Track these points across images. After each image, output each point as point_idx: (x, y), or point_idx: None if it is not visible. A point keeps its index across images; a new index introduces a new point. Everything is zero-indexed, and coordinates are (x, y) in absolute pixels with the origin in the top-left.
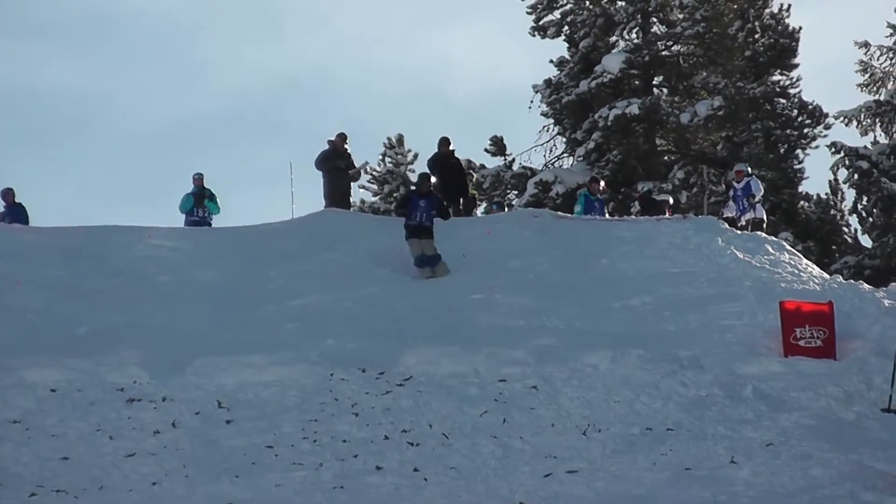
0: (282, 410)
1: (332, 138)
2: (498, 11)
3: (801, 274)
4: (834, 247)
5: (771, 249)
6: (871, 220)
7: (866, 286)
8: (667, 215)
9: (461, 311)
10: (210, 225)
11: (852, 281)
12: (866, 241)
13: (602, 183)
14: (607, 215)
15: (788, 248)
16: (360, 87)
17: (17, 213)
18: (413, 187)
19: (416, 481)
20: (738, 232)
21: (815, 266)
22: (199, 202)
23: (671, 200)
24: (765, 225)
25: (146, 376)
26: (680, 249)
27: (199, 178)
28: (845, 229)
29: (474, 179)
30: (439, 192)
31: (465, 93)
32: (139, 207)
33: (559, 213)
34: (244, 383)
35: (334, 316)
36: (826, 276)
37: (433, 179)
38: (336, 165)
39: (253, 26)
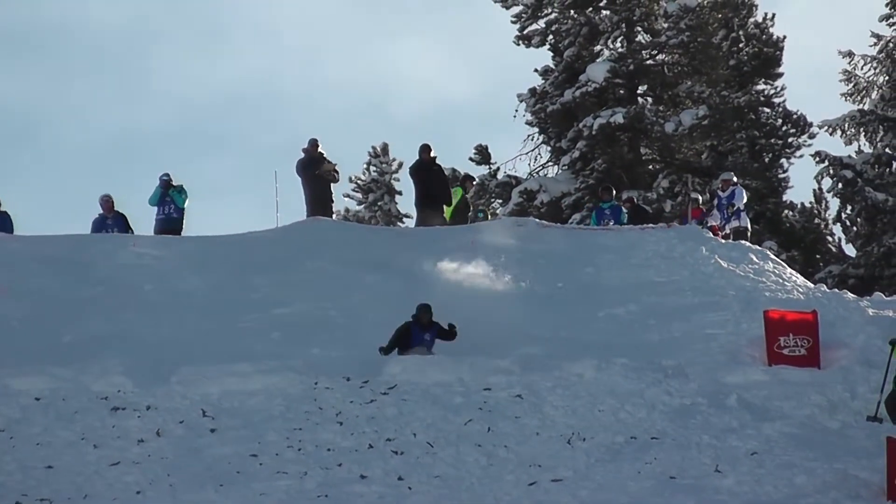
0: (266, 419)
1: (305, 146)
2: (442, 24)
3: (786, 283)
4: (818, 256)
5: (755, 258)
6: (855, 229)
7: (850, 295)
8: (690, 216)
9: (445, 320)
10: (177, 222)
11: (836, 290)
12: (850, 251)
13: (613, 191)
14: (625, 218)
15: (773, 257)
16: (307, 99)
17: (1, 222)
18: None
19: (400, 490)
20: (722, 241)
21: (799, 275)
22: (164, 200)
23: (701, 199)
24: (749, 234)
25: (130, 385)
26: (664, 258)
27: (165, 181)
28: (829, 238)
29: (462, 186)
30: (420, 200)
31: (411, 105)
32: (88, 220)
33: (544, 221)
34: (229, 392)
35: (319, 324)
36: (810, 285)
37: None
38: (313, 172)
39: (199, 38)
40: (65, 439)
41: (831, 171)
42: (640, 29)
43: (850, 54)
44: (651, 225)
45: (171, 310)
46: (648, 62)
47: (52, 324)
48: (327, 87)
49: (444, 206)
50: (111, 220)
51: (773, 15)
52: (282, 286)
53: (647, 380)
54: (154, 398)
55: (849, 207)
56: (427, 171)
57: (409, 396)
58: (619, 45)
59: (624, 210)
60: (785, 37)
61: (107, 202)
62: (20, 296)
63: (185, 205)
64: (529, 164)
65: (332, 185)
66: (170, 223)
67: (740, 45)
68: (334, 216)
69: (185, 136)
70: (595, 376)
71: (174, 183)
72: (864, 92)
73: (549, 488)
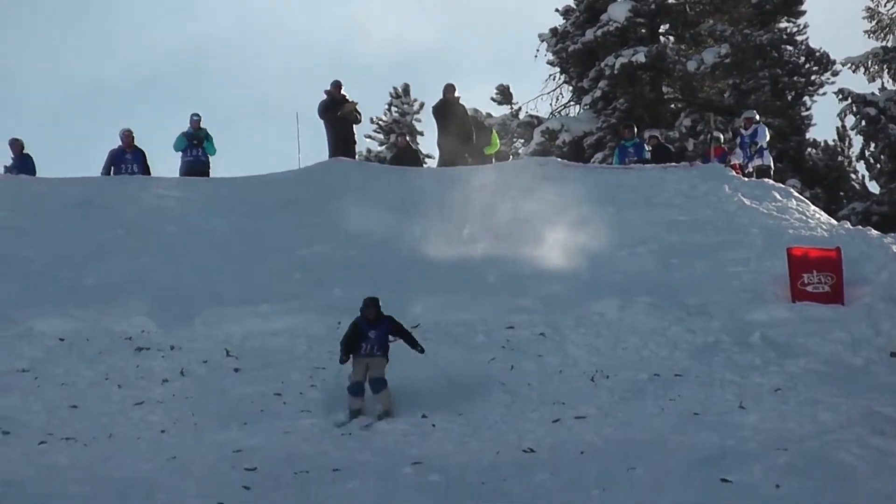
0: (289, 359)
1: (328, 88)
2: None
3: (809, 220)
4: (841, 193)
5: (778, 196)
6: (878, 166)
7: (874, 232)
8: (714, 156)
9: (468, 259)
10: (205, 165)
11: (860, 227)
12: (874, 188)
13: (635, 129)
14: (648, 155)
15: (796, 194)
16: (271, 54)
17: (24, 165)
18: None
19: (423, 428)
20: (745, 179)
21: (822, 212)
22: (193, 142)
23: (723, 138)
24: (772, 172)
25: (154, 326)
26: (687, 197)
27: (196, 120)
28: (853, 176)
29: (492, 133)
30: (446, 139)
31: (374, 57)
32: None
33: (566, 161)
34: (252, 332)
35: (341, 265)
36: (833, 222)
37: (378, 305)
38: (335, 113)
39: None
40: (89, 379)
41: (854, 109)
42: None
43: None
44: (673, 164)
45: (193, 251)
46: (670, 1)
47: (75, 266)
48: (290, 42)
49: (468, 145)
50: (130, 156)
51: None
52: (304, 227)
53: (669, 318)
54: (177, 339)
55: (872, 145)
56: (450, 110)
57: (432, 335)
58: None
59: (647, 147)
60: None
61: (127, 136)
62: (43, 239)
63: (214, 152)
64: (551, 104)
65: (354, 126)
66: (198, 165)
67: None
68: (357, 157)
69: (151, 89)
70: (618, 315)
71: (201, 126)
72: (887, 29)
73: (572, 425)
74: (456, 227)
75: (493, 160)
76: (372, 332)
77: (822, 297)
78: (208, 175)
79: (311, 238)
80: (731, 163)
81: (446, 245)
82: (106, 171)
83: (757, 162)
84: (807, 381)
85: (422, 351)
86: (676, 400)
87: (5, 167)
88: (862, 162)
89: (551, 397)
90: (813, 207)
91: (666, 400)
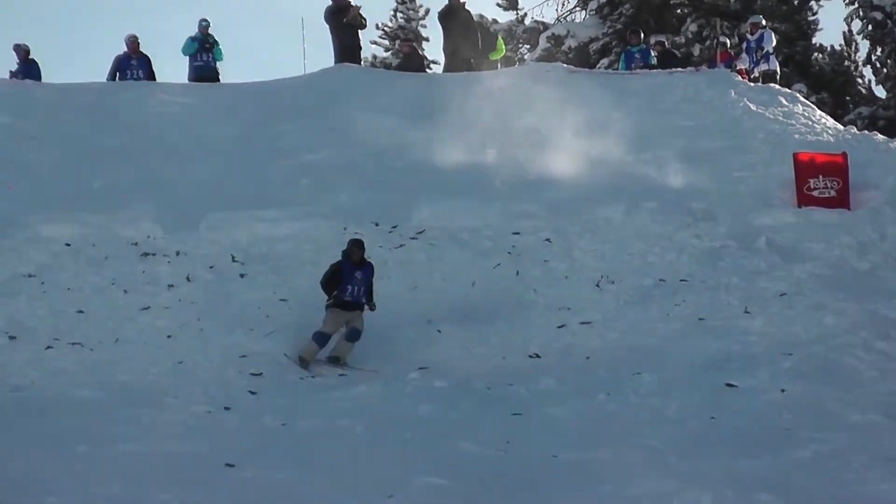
0: (296, 264)
1: None
2: None
3: (815, 125)
4: (848, 98)
5: (784, 101)
6: (885, 71)
7: (880, 137)
8: (719, 63)
9: (474, 165)
10: (215, 71)
11: (866, 132)
12: (880, 93)
13: (642, 34)
14: (654, 61)
15: (802, 99)
16: None
17: (29, 70)
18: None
19: (430, 333)
20: (751, 84)
21: (828, 117)
22: (203, 47)
23: (729, 43)
24: (778, 77)
25: (160, 231)
26: (693, 102)
27: (205, 26)
28: (859, 81)
29: (498, 39)
30: (451, 45)
31: None
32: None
33: (571, 66)
34: (258, 238)
35: (347, 170)
36: (840, 127)
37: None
38: (341, 19)
39: None
40: (95, 284)
41: (861, 14)
42: None
43: None
44: (679, 69)
45: (199, 157)
46: None
47: (80, 171)
48: None
49: (474, 51)
50: (135, 61)
51: None
52: (310, 133)
53: (675, 223)
54: (183, 244)
55: (879, 49)
56: (457, 15)
57: (438, 241)
58: None
59: (653, 53)
60: None
61: (132, 42)
62: (49, 143)
63: (222, 58)
64: (557, 10)
65: (359, 31)
66: (208, 70)
67: None
68: (362, 63)
69: None
70: (624, 220)
71: (209, 32)
72: None
73: (577, 331)
74: (462, 133)
75: (499, 66)
76: (358, 273)
77: (828, 202)
78: (218, 80)
79: (317, 144)
80: (738, 68)
81: (452, 150)
82: (111, 77)
83: (763, 67)
84: (812, 285)
85: (373, 308)
86: (682, 305)
87: (11, 72)
88: (868, 67)
89: (557, 303)
90: (819, 112)
91: (671, 305)
